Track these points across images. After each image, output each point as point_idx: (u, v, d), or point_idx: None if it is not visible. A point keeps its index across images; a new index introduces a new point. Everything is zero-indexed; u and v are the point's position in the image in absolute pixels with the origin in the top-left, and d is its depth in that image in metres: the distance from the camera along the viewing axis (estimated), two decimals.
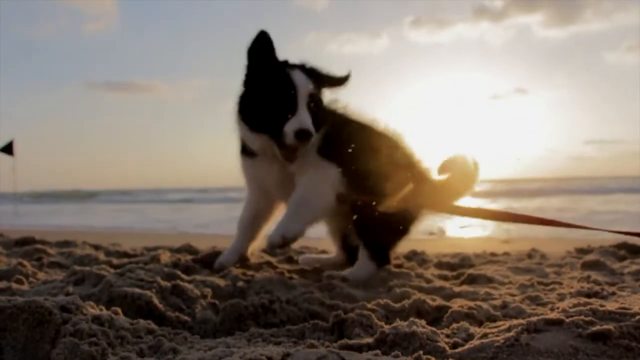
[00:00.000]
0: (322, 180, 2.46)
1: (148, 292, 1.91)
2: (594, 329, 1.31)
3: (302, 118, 2.29)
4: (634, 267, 2.67)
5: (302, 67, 2.44)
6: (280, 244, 2.37)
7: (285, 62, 2.45)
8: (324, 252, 3.57)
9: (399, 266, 2.89)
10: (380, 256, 2.60)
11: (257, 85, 2.43)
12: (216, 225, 9.26)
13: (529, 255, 3.60)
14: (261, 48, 2.40)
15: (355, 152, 2.45)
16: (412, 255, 3.38)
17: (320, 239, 3.35)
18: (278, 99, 2.33)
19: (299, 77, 2.36)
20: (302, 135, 2.27)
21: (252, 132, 2.46)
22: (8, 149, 12.96)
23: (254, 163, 2.60)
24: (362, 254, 2.57)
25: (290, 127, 2.28)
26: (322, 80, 2.49)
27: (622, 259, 3.14)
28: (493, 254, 3.73)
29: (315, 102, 2.39)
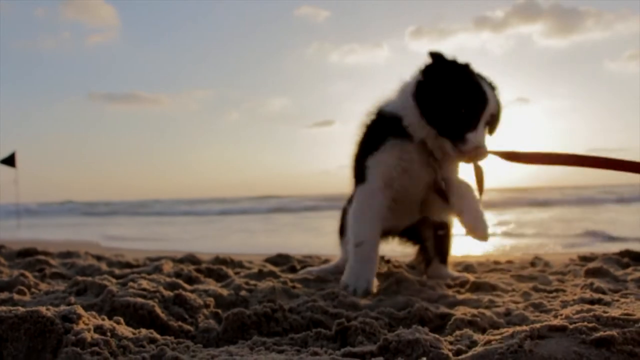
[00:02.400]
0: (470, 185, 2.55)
1: (150, 302, 1.90)
2: (597, 335, 1.31)
3: (481, 135, 2.37)
4: (638, 274, 2.66)
5: (487, 81, 2.46)
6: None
7: (471, 69, 2.44)
8: (326, 261, 3.57)
9: (402, 275, 2.88)
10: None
11: (445, 86, 2.39)
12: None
13: (532, 263, 3.59)
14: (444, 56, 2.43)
15: None
16: (416, 265, 3.36)
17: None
18: (467, 108, 2.35)
19: (490, 93, 2.39)
20: (479, 153, 2.38)
21: (428, 126, 2.43)
22: (10, 160, 12.99)
23: (405, 149, 2.51)
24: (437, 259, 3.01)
25: (473, 139, 2.33)
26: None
27: (625, 266, 3.13)
28: (496, 262, 3.73)
29: (490, 122, 2.46)
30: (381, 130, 2.55)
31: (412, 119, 2.46)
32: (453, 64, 2.42)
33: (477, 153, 2.37)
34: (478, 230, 2.35)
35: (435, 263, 3.03)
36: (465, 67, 2.42)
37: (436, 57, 2.43)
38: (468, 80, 2.39)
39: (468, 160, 2.46)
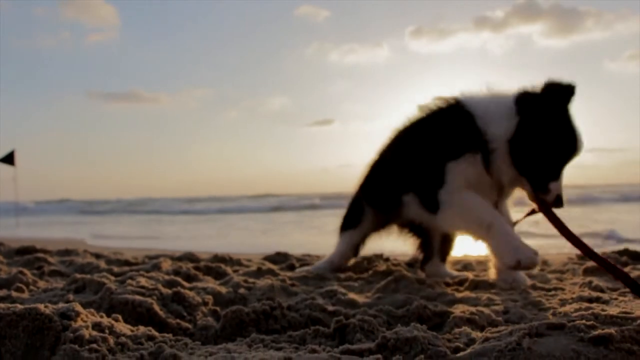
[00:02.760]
0: None
1: (149, 300, 1.90)
2: (595, 332, 1.31)
3: (561, 183, 2.30)
4: (636, 273, 2.66)
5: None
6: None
7: (570, 115, 2.31)
8: None
9: (401, 273, 2.88)
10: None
11: (545, 135, 2.28)
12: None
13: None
14: (560, 99, 2.30)
15: None
16: (414, 263, 3.36)
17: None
18: (560, 157, 2.29)
19: (581, 139, 2.29)
20: (559, 203, 2.29)
21: (515, 170, 2.35)
22: (9, 159, 12.99)
23: (482, 171, 2.40)
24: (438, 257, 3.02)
25: (554, 190, 2.27)
26: None
27: (624, 265, 3.12)
28: None
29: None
30: (466, 135, 2.41)
31: (500, 157, 2.35)
32: (556, 102, 2.28)
33: (554, 202, 2.28)
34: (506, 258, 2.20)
35: (435, 260, 3.02)
36: (567, 108, 2.29)
37: (547, 93, 2.29)
38: (568, 127, 2.28)
39: (540, 205, 2.34)
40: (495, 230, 2.26)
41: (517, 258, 2.15)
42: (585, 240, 2.18)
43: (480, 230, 2.32)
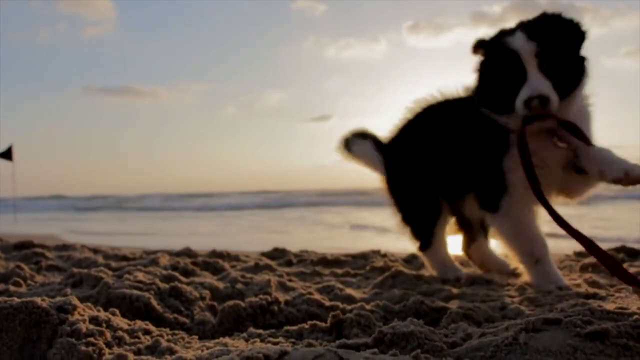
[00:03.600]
0: None
1: (146, 294, 1.90)
2: (591, 328, 1.31)
3: (532, 84, 2.03)
4: (633, 270, 2.67)
5: (523, 27, 2.13)
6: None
7: (504, 31, 2.18)
8: (323, 256, 3.56)
9: (398, 269, 2.88)
10: None
11: (485, 69, 2.24)
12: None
13: None
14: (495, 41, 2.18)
15: None
16: (412, 259, 3.37)
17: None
18: (502, 73, 2.12)
19: (517, 41, 2.08)
20: (530, 102, 2.02)
21: (496, 115, 2.21)
22: (7, 154, 12.95)
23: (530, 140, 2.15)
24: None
25: (519, 100, 2.05)
26: (554, 32, 2.11)
27: (620, 262, 3.13)
28: None
29: (551, 60, 2.08)
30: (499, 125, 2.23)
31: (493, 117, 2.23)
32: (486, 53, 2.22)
33: (530, 106, 2.02)
34: (612, 171, 1.99)
35: (482, 241, 2.78)
36: (493, 43, 2.19)
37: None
38: (491, 51, 2.20)
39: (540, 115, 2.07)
40: (541, 265, 2.27)
41: (557, 285, 2.20)
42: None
43: (528, 260, 2.31)
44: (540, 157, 2.17)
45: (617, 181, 2.00)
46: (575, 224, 2.00)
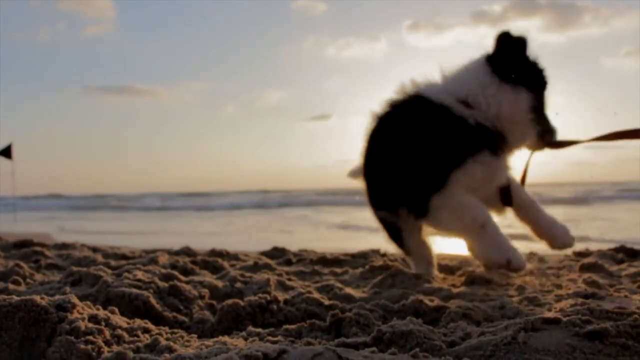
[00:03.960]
0: None
1: (145, 293, 1.90)
2: (590, 327, 1.31)
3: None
4: (632, 270, 2.67)
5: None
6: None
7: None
8: (322, 256, 3.57)
9: (398, 268, 2.88)
10: None
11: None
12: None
13: (528, 258, 3.60)
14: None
15: None
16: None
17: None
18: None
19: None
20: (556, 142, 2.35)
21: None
22: (6, 152, 12.92)
23: (493, 161, 2.29)
24: None
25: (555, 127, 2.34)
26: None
27: (620, 262, 3.13)
28: None
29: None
30: (466, 137, 2.25)
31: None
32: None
33: (554, 142, 2.32)
34: (559, 239, 2.31)
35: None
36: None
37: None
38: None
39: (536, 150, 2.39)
40: (487, 231, 2.25)
41: (507, 257, 2.19)
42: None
43: (473, 229, 2.27)
44: (489, 183, 2.33)
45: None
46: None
